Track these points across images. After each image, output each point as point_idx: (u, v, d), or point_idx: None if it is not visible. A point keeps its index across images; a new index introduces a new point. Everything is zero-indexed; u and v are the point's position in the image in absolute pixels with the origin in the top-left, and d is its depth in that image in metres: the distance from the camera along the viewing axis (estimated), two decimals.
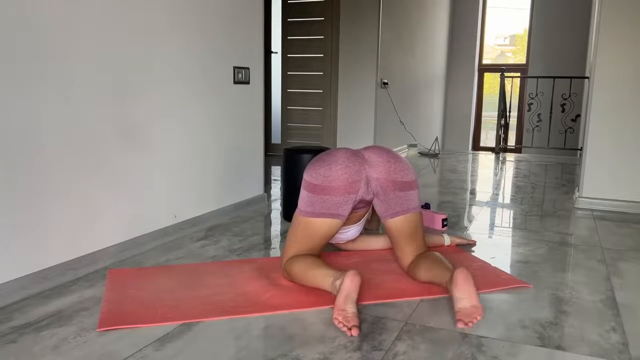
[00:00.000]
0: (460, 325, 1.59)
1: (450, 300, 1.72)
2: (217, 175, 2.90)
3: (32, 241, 1.90)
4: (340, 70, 5.33)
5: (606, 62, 3.19)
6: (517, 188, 4.05)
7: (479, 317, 1.60)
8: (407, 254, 1.97)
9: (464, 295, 1.63)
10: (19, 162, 1.83)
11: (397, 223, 1.96)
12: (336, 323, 1.58)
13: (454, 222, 2.92)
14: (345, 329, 1.56)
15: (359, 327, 1.57)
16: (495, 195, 3.77)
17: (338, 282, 1.67)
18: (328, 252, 2.28)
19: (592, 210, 3.27)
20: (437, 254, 1.92)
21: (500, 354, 1.47)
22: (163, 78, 2.46)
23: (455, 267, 1.73)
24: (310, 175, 1.96)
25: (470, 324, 1.59)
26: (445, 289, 1.75)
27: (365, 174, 1.94)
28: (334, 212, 1.92)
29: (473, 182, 4.37)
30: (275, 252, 2.39)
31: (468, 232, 2.74)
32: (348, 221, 2.10)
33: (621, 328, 1.64)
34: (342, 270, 1.76)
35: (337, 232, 2.00)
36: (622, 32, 3.14)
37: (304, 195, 1.97)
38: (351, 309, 1.60)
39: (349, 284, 1.61)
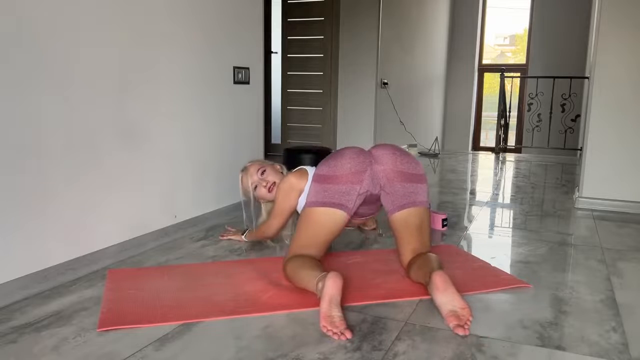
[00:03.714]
0: (460, 331, 1.54)
1: (433, 303, 1.69)
2: (217, 175, 2.90)
3: (32, 241, 1.90)
4: (340, 70, 5.33)
5: (606, 62, 3.19)
6: (517, 188, 4.04)
7: (470, 318, 1.57)
8: (408, 252, 1.93)
9: (447, 299, 1.60)
10: (19, 162, 1.83)
11: (402, 216, 1.92)
12: (325, 331, 1.54)
13: (454, 222, 2.92)
14: (336, 336, 1.52)
15: (349, 329, 1.55)
16: (495, 195, 3.77)
17: (320, 285, 1.63)
18: (328, 253, 2.28)
19: (592, 210, 3.27)
20: (432, 254, 1.87)
21: (500, 354, 1.47)
22: (163, 78, 2.46)
23: (434, 269, 1.69)
24: (318, 169, 1.98)
25: (467, 328, 1.55)
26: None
27: (371, 167, 1.94)
28: (336, 201, 1.90)
29: (473, 182, 4.37)
30: (275, 252, 2.39)
31: (468, 232, 2.74)
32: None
33: (621, 328, 1.64)
34: (338, 270, 1.73)
35: (342, 228, 1.97)
36: (622, 31, 3.14)
37: (311, 189, 1.97)
38: (337, 313, 1.56)
39: (331, 286, 1.57)
